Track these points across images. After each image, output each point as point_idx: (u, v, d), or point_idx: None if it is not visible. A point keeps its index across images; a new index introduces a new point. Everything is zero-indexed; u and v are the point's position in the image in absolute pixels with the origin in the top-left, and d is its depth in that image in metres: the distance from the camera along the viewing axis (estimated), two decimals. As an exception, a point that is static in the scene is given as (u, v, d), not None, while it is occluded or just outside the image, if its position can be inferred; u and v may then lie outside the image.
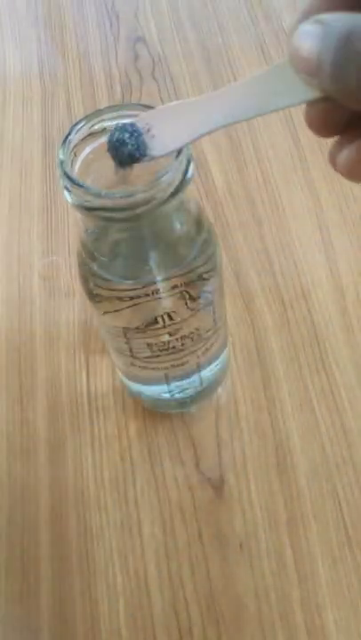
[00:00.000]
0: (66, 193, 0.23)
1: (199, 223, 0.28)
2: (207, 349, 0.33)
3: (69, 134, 0.24)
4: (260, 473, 0.36)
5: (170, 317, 0.28)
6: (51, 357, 0.41)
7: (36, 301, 0.44)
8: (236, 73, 0.53)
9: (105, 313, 0.29)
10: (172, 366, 0.32)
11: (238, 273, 0.43)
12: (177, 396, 0.36)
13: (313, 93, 0.19)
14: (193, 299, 0.29)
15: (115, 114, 0.24)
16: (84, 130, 0.24)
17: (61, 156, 0.23)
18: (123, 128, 0.22)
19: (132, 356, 0.31)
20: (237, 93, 0.21)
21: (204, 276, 0.28)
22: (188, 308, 0.29)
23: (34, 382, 0.40)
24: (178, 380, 0.34)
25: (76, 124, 0.24)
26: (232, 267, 0.43)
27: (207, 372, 0.35)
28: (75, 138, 0.24)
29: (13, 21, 0.61)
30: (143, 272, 0.27)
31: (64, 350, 0.41)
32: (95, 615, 0.33)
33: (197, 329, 0.30)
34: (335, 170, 0.21)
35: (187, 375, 0.34)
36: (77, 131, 0.24)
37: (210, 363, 0.35)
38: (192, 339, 0.31)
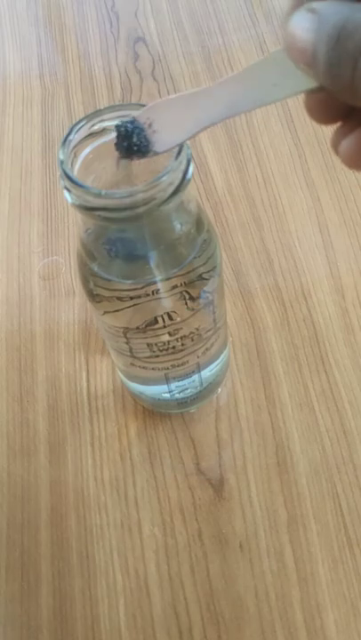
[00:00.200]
0: (66, 193, 0.23)
1: (199, 223, 0.28)
2: (207, 349, 0.33)
3: (69, 134, 0.24)
4: (260, 473, 0.36)
5: (170, 317, 0.28)
6: (51, 357, 0.41)
7: (35, 301, 0.44)
8: (236, 73, 0.53)
9: (105, 313, 0.29)
10: (172, 366, 0.32)
11: (238, 273, 0.43)
12: (177, 396, 0.36)
13: (312, 83, 0.19)
14: (193, 299, 0.29)
15: (115, 114, 0.24)
16: (84, 130, 0.24)
17: (61, 156, 0.23)
18: (124, 124, 0.22)
19: (132, 356, 0.31)
20: (236, 85, 0.21)
21: (204, 275, 0.28)
22: (188, 308, 0.29)
23: (34, 382, 0.40)
24: (178, 380, 0.34)
25: (76, 123, 0.24)
26: (232, 267, 0.43)
27: (207, 372, 0.35)
28: (75, 138, 0.24)
29: (13, 21, 0.61)
30: (143, 272, 0.27)
31: (64, 350, 0.41)
32: (95, 615, 0.33)
33: (197, 329, 0.30)
34: (338, 156, 0.21)
35: (187, 375, 0.34)
36: (77, 131, 0.24)
37: (210, 363, 0.35)
38: (192, 339, 0.31)
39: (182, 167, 0.23)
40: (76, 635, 0.33)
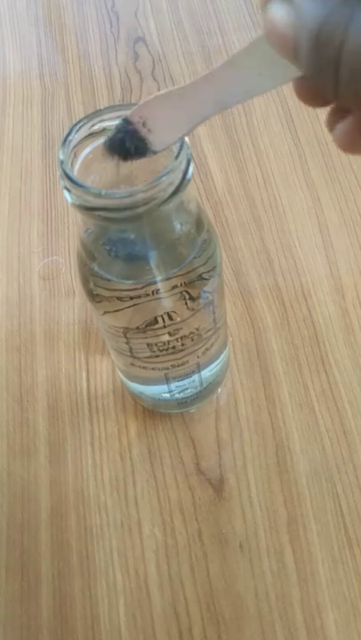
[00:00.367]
0: (66, 193, 0.23)
1: (199, 223, 0.28)
2: (207, 349, 0.33)
3: (69, 134, 0.24)
4: (260, 473, 0.36)
5: (170, 317, 0.28)
6: (51, 357, 0.41)
7: (35, 301, 0.44)
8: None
9: (105, 313, 0.29)
10: (172, 366, 0.32)
11: (238, 273, 0.43)
12: (177, 396, 0.36)
13: (298, 71, 0.18)
14: (193, 299, 0.29)
15: (115, 114, 0.24)
16: (84, 130, 0.24)
17: (61, 156, 0.23)
18: (118, 127, 0.22)
19: (132, 356, 0.31)
20: (220, 79, 0.20)
21: (204, 275, 0.28)
22: (188, 308, 0.29)
23: (34, 382, 0.40)
24: (178, 380, 0.34)
25: (76, 123, 0.24)
26: (232, 267, 0.43)
27: (207, 372, 0.35)
28: (75, 138, 0.24)
29: (13, 21, 0.61)
30: (143, 272, 0.27)
31: (64, 350, 0.41)
32: (95, 615, 0.33)
33: (197, 329, 0.30)
34: (333, 140, 0.20)
35: (187, 375, 0.34)
36: (77, 131, 0.24)
37: (210, 363, 0.35)
38: (192, 339, 0.31)
39: (182, 167, 0.23)
40: (76, 635, 0.33)
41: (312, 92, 0.20)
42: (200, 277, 0.28)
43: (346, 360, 0.39)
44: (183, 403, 0.37)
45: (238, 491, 0.36)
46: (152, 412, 0.39)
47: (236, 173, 0.48)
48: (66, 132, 0.24)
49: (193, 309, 0.29)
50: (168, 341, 0.30)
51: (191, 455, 0.37)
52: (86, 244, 0.27)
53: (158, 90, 0.53)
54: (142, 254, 0.27)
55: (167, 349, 0.30)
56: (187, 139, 0.23)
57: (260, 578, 0.33)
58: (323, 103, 0.20)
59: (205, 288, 0.29)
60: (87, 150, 0.25)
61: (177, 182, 0.23)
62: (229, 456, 0.37)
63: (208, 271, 0.29)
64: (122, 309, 0.28)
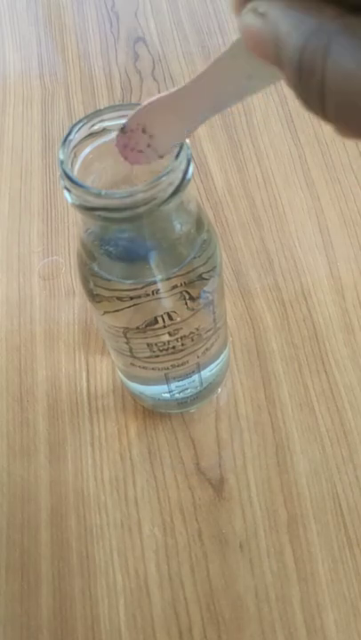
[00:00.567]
0: (66, 193, 0.23)
1: (199, 223, 0.28)
2: (207, 349, 0.33)
3: (69, 134, 0.24)
4: (260, 473, 0.36)
5: (170, 317, 0.28)
6: (51, 357, 0.41)
7: (35, 301, 0.44)
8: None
9: (105, 313, 0.29)
10: (172, 366, 0.32)
11: (238, 273, 0.43)
12: (177, 396, 0.36)
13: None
14: (193, 299, 0.29)
15: (115, 114, 0.24)
16: (84, 130, 0.24)
17: (61, 156, 0.23)
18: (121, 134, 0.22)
19: (132, 356, 0.31)
20: (208, 83, 0.19)
21: (204, 275, 0.28)
22: (188, 308, 0.29)
23: (34, 382, 0.40)
24: (178, 380, 0.34)
25: (76, 123, 0.24)
26: (232, 267, 0.43)
27: (207, 372, 0.35)
28: (75, 138, 0.24)
29: (13, 21, 0.61)
30: (143, 272, 0.27)
31: (64, 350, 0.41)
32: (95, 615, 0.33)
33: (197, 329, 0.30)
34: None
35: (187, 375, 0.34)
36: (77, 131, 0.24)
37: (210, 363, 0.35)
38: (192, 339, 0.31)
39: (182, 167, 0.23)
40: (76, 635, 0.33)
41: None
42: (200, 277, 0.28)
43: (346, 360, 0.39)
44: (183, 403, 0.37)
45: (238, 491, 0.36)
46: (152, 412, 0.39)
47: (236, 173, 0.48)
48: (66, 131, 0.24)
49: (193, 309, 0.29)
50: (168, 341, 0.30)
51: (191, 455, 0.37)
52: (86, 243, 0.27)
53: (158, 90, 0.53)
54: (142, 254, 0.27)
55: (167, 349, 0.30)
56: (187, 139, 0.23)
57: (260, 578, 0.33)
58: None
59: (205, 288, 0.29)
60: (87, 150, 0.25)
61: (177, 182, 0.23)
62: (229, 456, 0.37)
63: (208, 271, 0.29)
64: (122, 309, 0.28)
